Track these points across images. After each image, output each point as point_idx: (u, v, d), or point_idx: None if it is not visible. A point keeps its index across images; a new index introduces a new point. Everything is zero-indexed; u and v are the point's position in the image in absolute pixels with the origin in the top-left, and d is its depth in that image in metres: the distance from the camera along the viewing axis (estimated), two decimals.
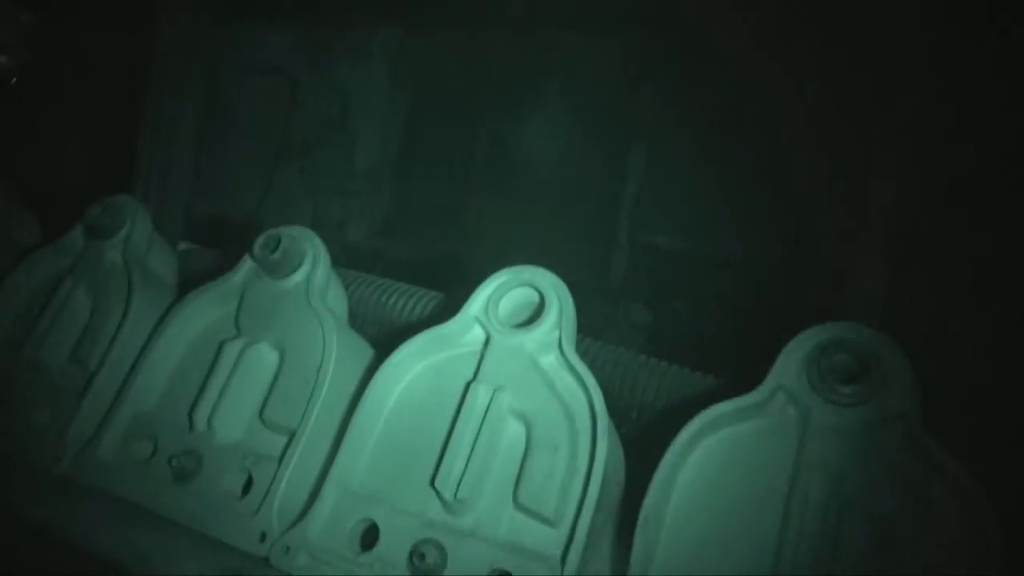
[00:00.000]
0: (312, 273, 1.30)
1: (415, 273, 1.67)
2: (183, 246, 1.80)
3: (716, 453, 1.04)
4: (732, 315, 2.21)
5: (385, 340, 1.34)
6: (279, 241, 1.29)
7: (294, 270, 1.30)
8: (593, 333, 1.43)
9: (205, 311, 1.35)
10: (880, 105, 1.51)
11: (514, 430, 1.12)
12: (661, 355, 1.36)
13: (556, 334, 1.14)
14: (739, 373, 1.15)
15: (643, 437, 1.26)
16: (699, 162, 2.37)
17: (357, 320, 1.48)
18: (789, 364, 1.01)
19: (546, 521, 1.05)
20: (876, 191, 1.44)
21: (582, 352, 1.35)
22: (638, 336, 2.43)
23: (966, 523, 0.90)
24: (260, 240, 1.30)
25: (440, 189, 2.81)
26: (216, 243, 1.88)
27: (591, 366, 1.31)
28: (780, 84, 2.08)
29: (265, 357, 1.28)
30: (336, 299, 1.36)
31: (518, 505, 1.07)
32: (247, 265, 1.34)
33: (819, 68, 1.83)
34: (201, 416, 1.25)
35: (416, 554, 1.06)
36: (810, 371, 0.99)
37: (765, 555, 0.95)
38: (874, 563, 0.92)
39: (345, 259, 1.64)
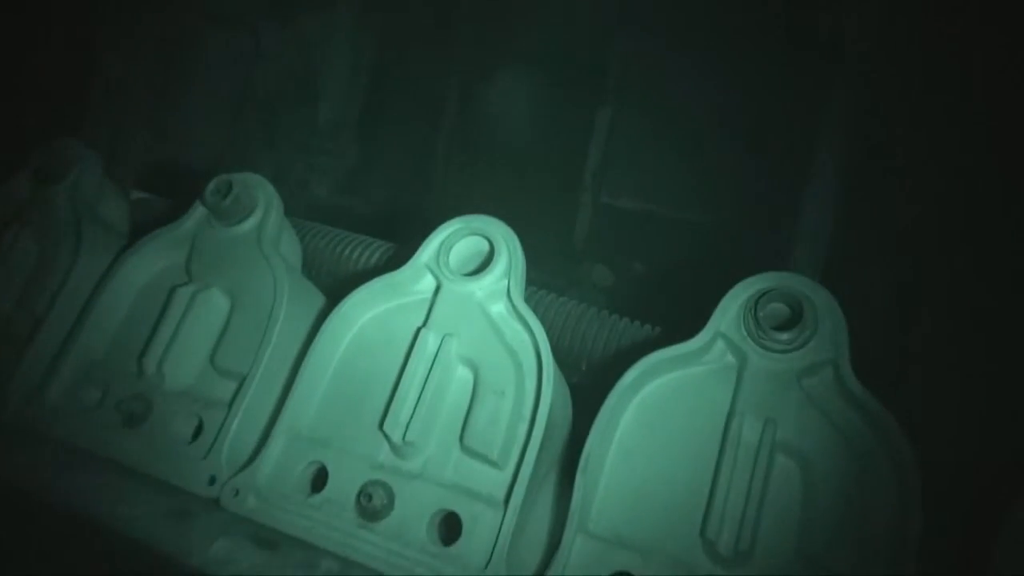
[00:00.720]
0: (264, 220, 1.29)
1: (379, 231, 1.67)
2: (137, 195, 1.77)
3: (657, 398, 1.06)
4: (690, 276, 2.24)
5: (338, 289, 1.34)
6: (230, 187, 1.28)
7: (246, 217, 1.30)
8: (556, 292, 1.45)
9: (156, 257, 1.34)
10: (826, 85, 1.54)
11: (462, 375, 1.14)
12: (621, 314, 1.38)
13: (505, 282, 1.15)
14: (690, 328, 1.18)
15: (592, 386, 1.29)
16: (664, 126, 2.39)
17: (312, 270, 1.48)
18: (727, 312, 1.04)
19: (491, 463, 1.08)
20: (822, 161, 1.47)
21: (534, 304, 1.37)
22: (600, 296, 2.46)
23: (889, 462, 0.94)
24: (211, 186, 1.29)
25: (406, 147, 2.79)
26: (176, 196, 1.85)
27: (543, 318, 1.34)
28: (747, 54, 2.10)
29: (216, 303, 1.28)
30: (289, 247, 1.36)
31: (465, 448, 1.10)
32: (198, 211, 1.33)
33: (776, 43, 1.86)
34: (151, 361, 1.25)
35: (364, 495, 1.08)
36: (747, 318, 1.01)
37: (700, 493, 0.99)
38: (801, 498, 0.96)
39: (308, 217, 1.63)
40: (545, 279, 1.53)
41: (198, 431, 1.22)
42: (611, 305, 1.80)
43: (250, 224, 1.29)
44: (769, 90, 2.01)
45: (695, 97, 2.25)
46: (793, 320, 1.01)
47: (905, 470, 0.91)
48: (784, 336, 0.99)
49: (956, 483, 0.96)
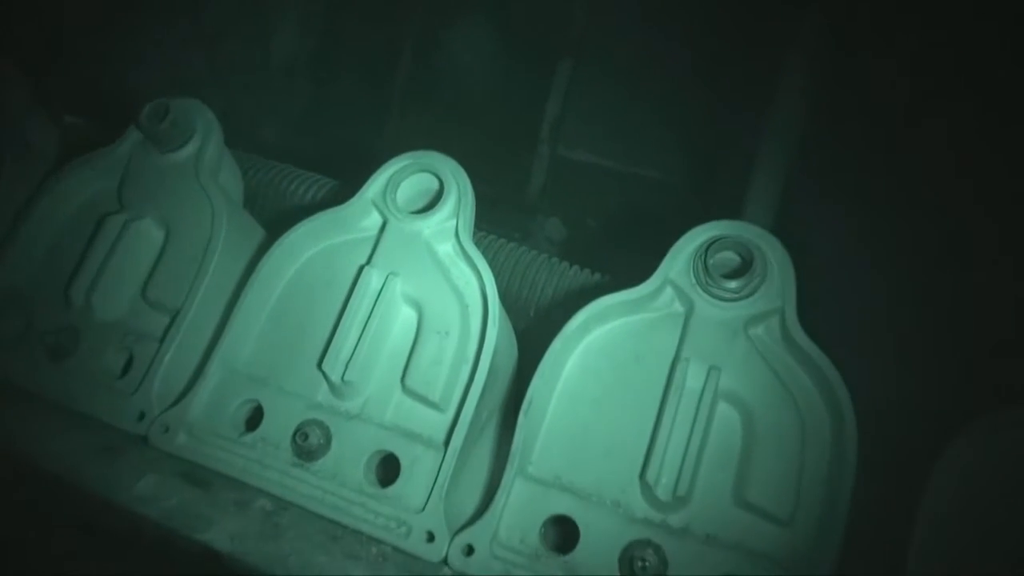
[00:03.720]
0: (203, 148, 1.23)
1: (331, 175, 1.61)
2: (71, 120, 1.67)
3: (603, 343, 1.05)
4: (644, 231, 2.24)
5: (281, 225, 1.29)
6: (167, 111, 1.21)
7: (183, 143, 1.23)
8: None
9: (85, 183, 1.27)
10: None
11: (406, 315, 1.11)
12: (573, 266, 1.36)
13: (453, 222, 1.12)
14: (640, 277, 1.17)
15: (540, 332, 1.27)
16: (625, 79, 2.36)
17: (255, 205, 1.42)
18: (677, 259, 1.03)
19: (433, 405, 1.06)
20: (773, 120, 1.46)
21: (484, 248, 1.35)
22: (553, 249, 2.45)
23: (828, 412, 0.95)
24: (147, 109, 1.22)
25: (360, 91, 2.71)
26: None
27: (492, 262, 1.31)
28: (709, 8, 2.08)
29: (149, 233, 1.22)
30: (229, 179, 1.30)
31: (406, 389, 1.07)
32: (133, 136, 1.26)
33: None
34: (78, 292, 1.19)
35: (299, 434, 1.05)
36: (696, 266, 1.00)
37: (641, 438, 0.98)
38: (741, 446, 0.96)
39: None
40: (499, 232, 1.50)
41: (128, 366, 1.17)
42: (563, 259, 1.77)
43: (187, 151, 1.23)
44: (728, 46, 2.00)
45: (656, 51, 2.23)
46: (742, 269, 1.00)
47: (843, 421, 0.92)
48: (732, 284, 0.98)
49: (892, 433, 0.98)
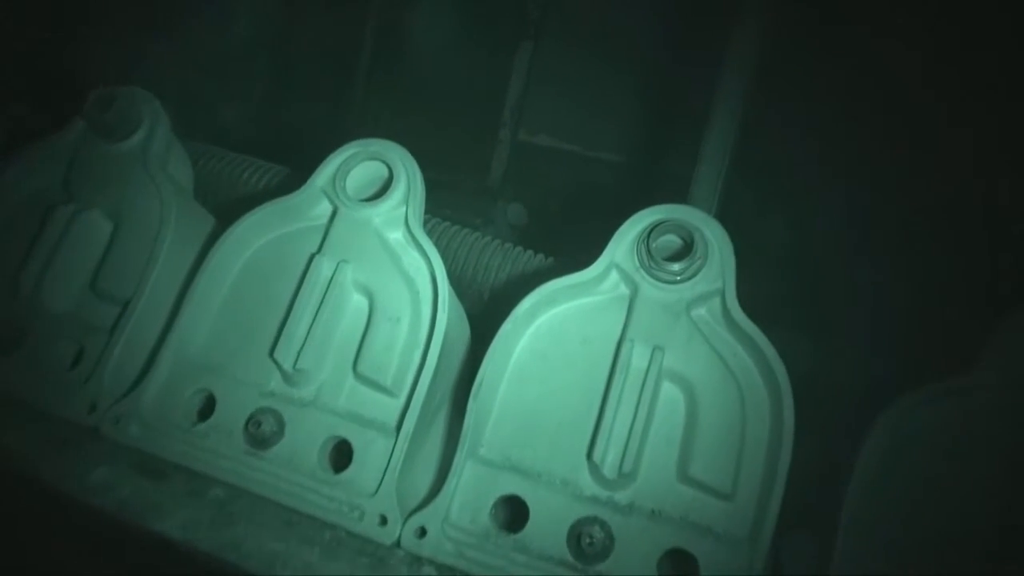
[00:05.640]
0: (150, 137, 1.22)
1: (292, 162, 1.60)
2: (18, 108, 1.64)
3: (551, 326, 1.07)
4: (603, 215, 2.26)
5: (232, 214, 1.29)
6: (113, 100, 1.19)
7: (130, 133, 1.22)
8: (470, 229, 1.42)
9: (30, 173, 1.25)
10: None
11: (357, 303, 1.12)
12: (535, 254, 1.37)
13: (403, 210, 1.13)
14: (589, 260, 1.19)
15: (493, 317, 1.29)
16: (585, 63, 2.37)
17: (208, 194, 1.41)
18: (622, 243, 1.05)
19: (385, 391, 1.07)
20: (716, 111, 1.48)
21: (437, 235, 1.35)
22: (514, 234, 2.46)
23: (767, 390, 0.98)
24: (91, 98, 1.21)
25: (322, 76, 2.68)
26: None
27: (445, 248, 1.32)
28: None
29: (97, 224, 1.21)
30: (179, 168, 1.29)
31: (358, 376, 1.08)
32: (77, 126, 1.24)
33: None
34: (26, 284, 1.18)
35: (252, 422, 1.06)
36: (640, 249, 1.02)
37: (589, 418, 1.00)
38: (685, 423, 0.99)
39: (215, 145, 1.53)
40: (461, 218, 1.51)
41: (78, 358, 1.16)
42: (524, 244, 1.79)
43: (134, 141, 1.22)
44: (688, 27, 2.02)
45: (616, 34, 2.24)
46: (684, 251, 1.02)
47: (781, 397, 0.95)
48: (675, 267, 1.01)
49: (828, 408, 1.01)
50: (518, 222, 2.50)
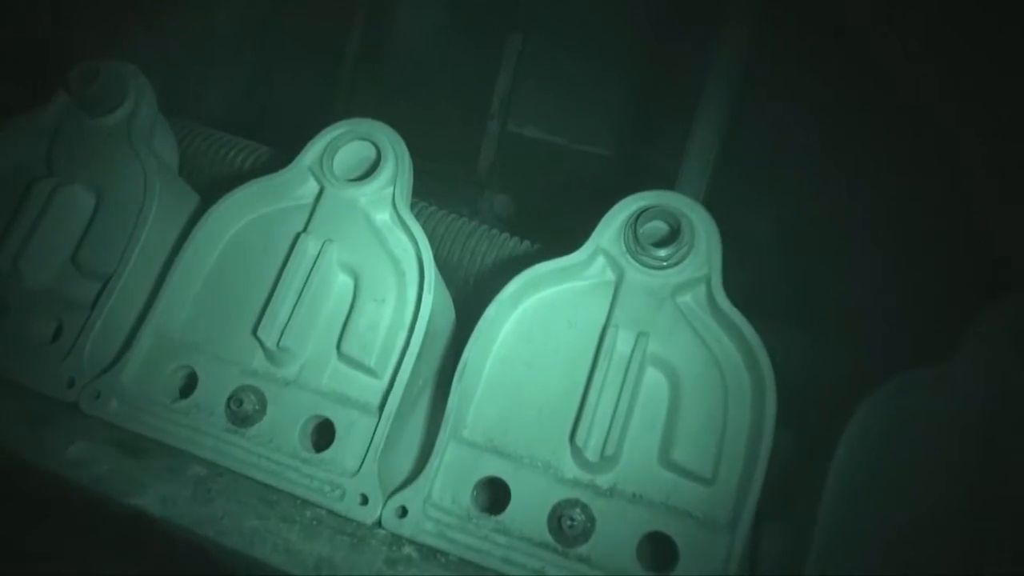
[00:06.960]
0: (135, 112, 1.21)
1: (276, 147, 1.59)
2: None
3: (537, 310, 1.07)
4: (590, 207, 2.27)
5: (217, 192, 1.28)
6: (97, 73, 1.18)
7: (114, 108, 1.21)
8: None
9: (11, 147, 1.24)
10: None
11: (342, 282, 1.11)
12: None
13: (390, 190, 1.12)
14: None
15: (478, 301, 1.29)
16: (573, 54, 2.37)
17: (193, 172, 1.40)
18: (609, 228, 1.05)
19: (368, 371, 1.07)
20: (704, 110, 1.49)
21: (424, 219, 1.35)
22: (500, 225, 2.46)
23: (750, 377, 0.98)
24: (76, 71, 1.19)
25: (309, 65, 2.66)
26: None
27: (431, 232, 1.32)
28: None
29: (79, 199, 1.20)
30: (163, 144, 1.28)
31: (342, 355, 1.08)
32: (61, 99, 1.23)
33: None
34: (5, 258, 1.16)
35: (234, 400, 1.06)
36: (627, 235, 1.03)
37: (572, 402, 1.01)
38: (667, 409, 0.99)
39: None
40: (447, 208, 1.51)
41: (58, 333, 1.15)
42: (510, 234, 1.78)
43: (119, 116, 1.21)
44: (677, 20, 2.03)
45: (605, 25, 2.25)
46: (671, 237, 1.02)
47: (763, 384, 0.96)
48: (661, 252, 1.01)
49: (810, 396, 1.02)
50: (504, 213, 2.50)
